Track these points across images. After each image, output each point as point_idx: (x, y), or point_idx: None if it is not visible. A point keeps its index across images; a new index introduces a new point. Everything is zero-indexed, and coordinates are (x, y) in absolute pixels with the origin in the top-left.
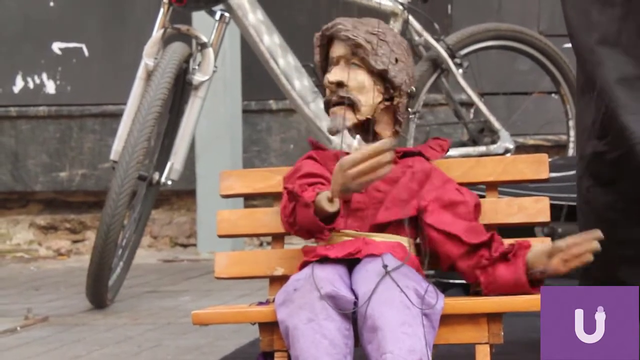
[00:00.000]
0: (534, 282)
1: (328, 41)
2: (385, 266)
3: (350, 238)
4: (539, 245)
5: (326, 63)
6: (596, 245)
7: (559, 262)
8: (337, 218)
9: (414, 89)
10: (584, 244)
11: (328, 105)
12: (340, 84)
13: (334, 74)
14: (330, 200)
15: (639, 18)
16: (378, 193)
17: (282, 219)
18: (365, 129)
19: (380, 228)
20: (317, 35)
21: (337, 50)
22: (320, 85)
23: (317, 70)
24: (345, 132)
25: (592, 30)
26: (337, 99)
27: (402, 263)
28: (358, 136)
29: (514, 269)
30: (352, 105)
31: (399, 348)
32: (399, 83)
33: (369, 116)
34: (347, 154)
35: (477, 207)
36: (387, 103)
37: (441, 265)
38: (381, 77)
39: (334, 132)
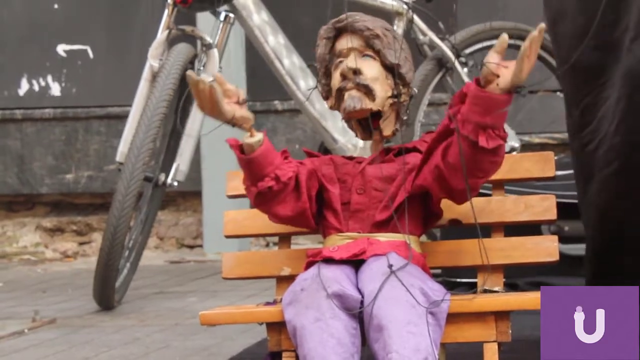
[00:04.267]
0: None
1: (335, 34)
2: (390, 265)
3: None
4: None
5: (330, 56)
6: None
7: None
8: (260, 148)
9: (415, 90)
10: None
11: (341, 92)
12: (357, 72)
13: (352, 61)
14: (252, 135)
15: None
16: (377, 193)
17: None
18: (364, 126)
19: (381, 227)
20: (324, 28)
21: (349, 42)
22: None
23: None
24: (351, 132)
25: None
26: (352, 85)
27: (408, 262)
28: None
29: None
30: (368, 93)
31: (404, 347)
32: (409, 80)
33: (380, 108)
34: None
35: None
36: (394, 99)
37: (455, 194)
38: (392, 72)
39: (350, 109)
